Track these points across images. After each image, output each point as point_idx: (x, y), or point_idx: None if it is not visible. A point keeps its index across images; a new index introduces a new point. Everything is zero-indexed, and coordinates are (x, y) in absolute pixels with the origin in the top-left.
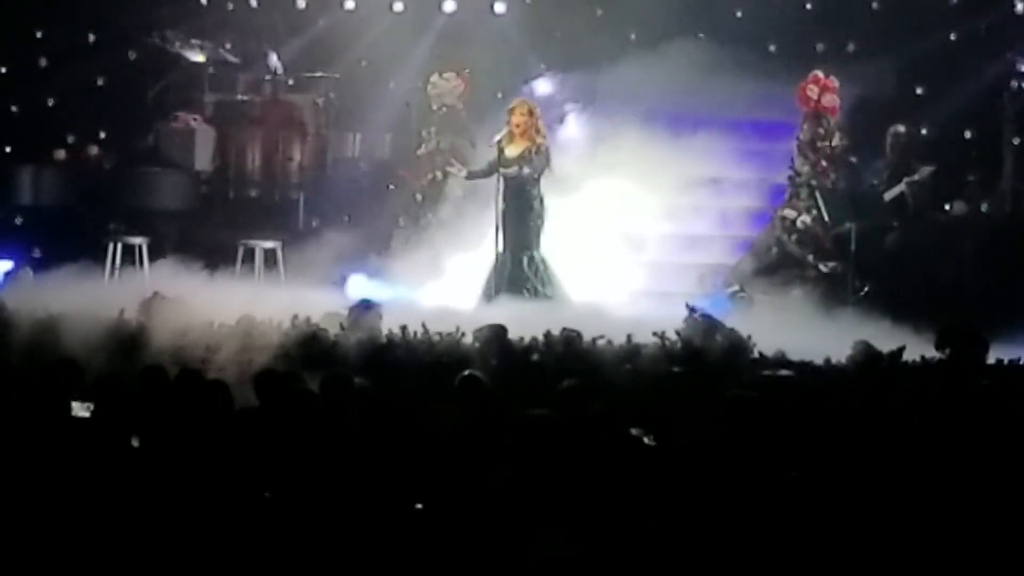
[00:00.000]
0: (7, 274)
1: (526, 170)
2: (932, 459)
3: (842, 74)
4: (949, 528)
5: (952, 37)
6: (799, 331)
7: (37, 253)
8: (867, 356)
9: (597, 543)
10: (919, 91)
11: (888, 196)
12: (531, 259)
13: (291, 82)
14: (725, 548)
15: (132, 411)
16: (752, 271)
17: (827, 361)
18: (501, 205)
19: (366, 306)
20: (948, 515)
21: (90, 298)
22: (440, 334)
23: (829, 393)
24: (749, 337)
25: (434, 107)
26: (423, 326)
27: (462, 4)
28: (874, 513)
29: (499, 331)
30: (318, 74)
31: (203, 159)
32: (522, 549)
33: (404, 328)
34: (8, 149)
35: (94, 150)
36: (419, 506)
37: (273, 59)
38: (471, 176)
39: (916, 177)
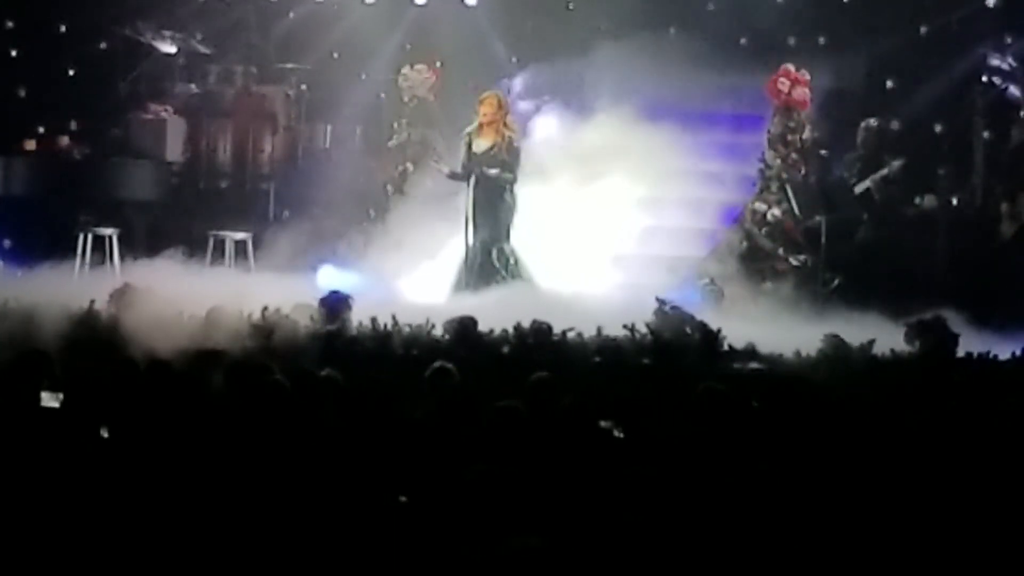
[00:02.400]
0: None
1: (505, 174)
2: (902, 452)
3: (813, 67)
4: (920, 520)
5: (923, 31)
6: (769, 324)
7: (7, 244)
8: (837, 349)
9: (567, 535)
10: (890, 85)
11: (858, 190)
12: (501, 251)
13: (259, 72)
14: (695, 541)
15: (102, 402)
16: (722, 264)
17: (797, 354)
18: (472, 197)
19: (336, 297)
20: (920, 507)
21: (60, 289)
22: (410, 326)
23: (799, 386)
24: (719, 330)
25: (405, 99)
26: (393, 318)
27: None
28: (844, 506)
29: (469, 323)
30: (289, 66)
31: (174, 150)
32: (492, 541)
33: (374, 320)
34: None
35: (65, 141)
36: (403, 499)
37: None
38: (452, 176)
39: (886, 171)
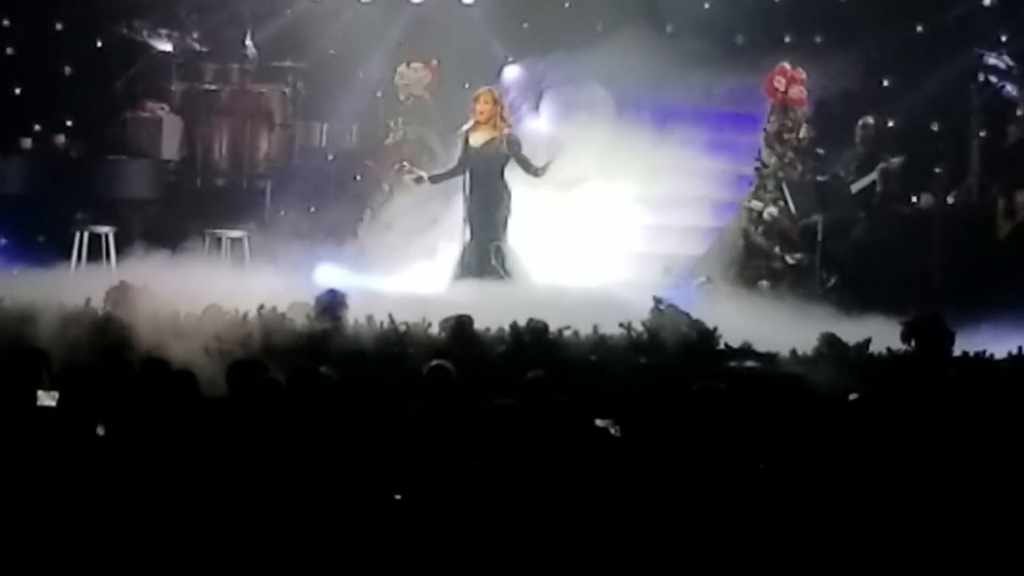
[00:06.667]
0: None
1: (510, 166)
2: (898, 451)
3: (809, 66)
4: (914, 519)
5: (919, 29)
6: (765, 322)
7: (3, 242)
8: (833, 348)
9: (563, 534)
10: (886, 83)
11: (855, 188)
12: (498, 249)
13: (256, 70)
14: (692, 539)
15: (98, 400)
16: (718, 262)
17: (793, 353)
18: (468, 195)
19: (332, 296)
20: (915, 506)
21: (56, 287)
22: (407, 324)
23: (795, 385)
24: (715, 328)
25: (402, 97)
26: (389, 316)
27: None
28: (840, 504)
29: (465, 321)
30: (286, 64)
31: (170, 148)
32: (489, 540)
33: (370, 318)
34: None
35: (61, 139)
36: (398, 497)
37: (250, 44)
38: (434, 179)
39: (885, 165)
